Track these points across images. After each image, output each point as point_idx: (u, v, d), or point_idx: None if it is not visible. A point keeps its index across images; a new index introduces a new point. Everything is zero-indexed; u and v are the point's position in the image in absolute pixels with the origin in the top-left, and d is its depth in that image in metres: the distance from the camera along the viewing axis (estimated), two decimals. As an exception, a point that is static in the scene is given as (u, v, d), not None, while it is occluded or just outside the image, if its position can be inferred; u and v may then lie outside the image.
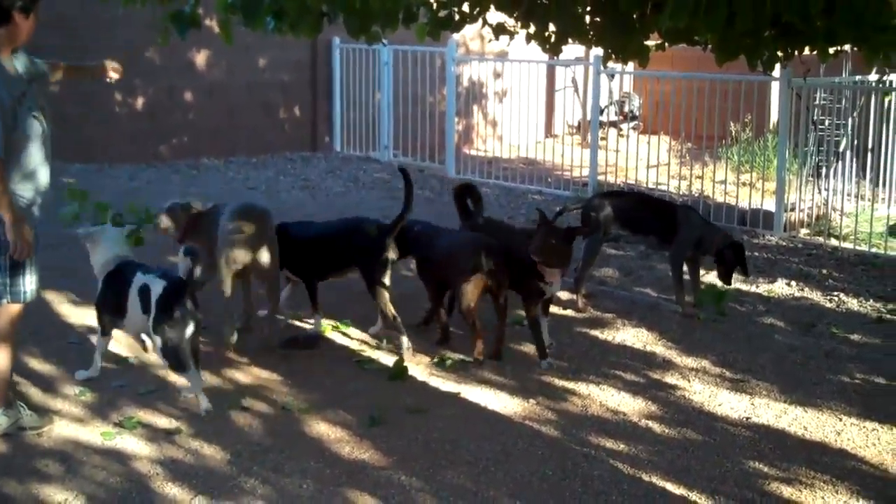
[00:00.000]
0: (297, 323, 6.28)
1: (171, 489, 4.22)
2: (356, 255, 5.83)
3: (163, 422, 4.87)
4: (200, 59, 12.34)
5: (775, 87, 11.05)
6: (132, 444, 4.63)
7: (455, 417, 4.98)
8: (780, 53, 6.25)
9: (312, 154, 13.14)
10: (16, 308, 4.62)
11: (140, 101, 12.05)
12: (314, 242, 6.00)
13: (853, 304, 7.11)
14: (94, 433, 4.72)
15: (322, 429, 4.83)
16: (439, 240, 5.95)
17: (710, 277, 7.01)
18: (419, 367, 5.65)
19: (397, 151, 12.97)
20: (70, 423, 4.82)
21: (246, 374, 5.50)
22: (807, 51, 6.43)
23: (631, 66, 11.11)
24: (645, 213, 6.88)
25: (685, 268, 6.84)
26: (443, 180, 11.79)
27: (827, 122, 9.89)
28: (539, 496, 4.23)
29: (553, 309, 6.63)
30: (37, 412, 4.83)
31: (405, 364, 5.54)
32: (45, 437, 4.68)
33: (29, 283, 4.60)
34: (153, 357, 5.68)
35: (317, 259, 5.99)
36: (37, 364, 5.52)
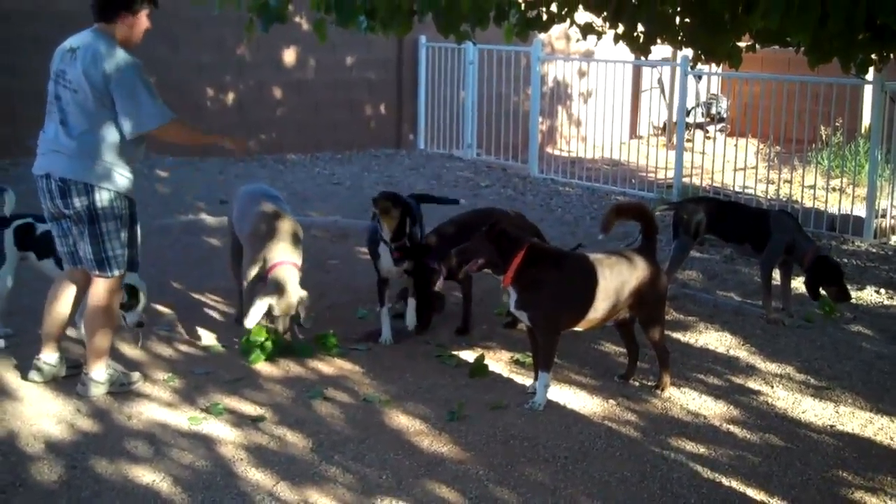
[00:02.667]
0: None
1: (255, 475, 4.32)
2: None
3: (248, 409, 4.98)
4: (289, 56, 12.55)
5: (868, 91, 10.81)
6: (218, 429, 4.75)
7: (534, 415, 4.99)
8: (874, 56, 6.13)
9: (396, 151, 13.26)
10: (120, 278, 5.05)
11: (230, 97, 12.31)
12: None
13: (945, 313, 6.93)
14: (182, 418, 4.85)
15: (402, 421, 4.89)
16: None
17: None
18: (499, 365, 5.68)
19: (480, 150, 13.01)
20: (159, 407, 4.97)
21: (329, 366, 5.59)
22: (902, 54, 6.29)
23: (719, 67, 10.97)
24: (739, 221, 6.80)
25: (776, 272, 6.75)
26: (525, 179, 11.80)
27: (922, 127, 9.63)
28: (617, 496, 4.22)
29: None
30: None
31: (485, 361, 5.57)
32: (135, 419, 4.83)
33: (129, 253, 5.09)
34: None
35: None
36: (127, 349, 5.70)
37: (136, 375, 5.23)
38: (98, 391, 5.05)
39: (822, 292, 6.57)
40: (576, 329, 5.31)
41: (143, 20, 5.00)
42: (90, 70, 4.76)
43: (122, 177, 4.92)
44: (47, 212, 4.99)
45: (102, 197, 4.84)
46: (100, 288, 4.97)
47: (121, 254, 4.94)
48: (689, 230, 6.73)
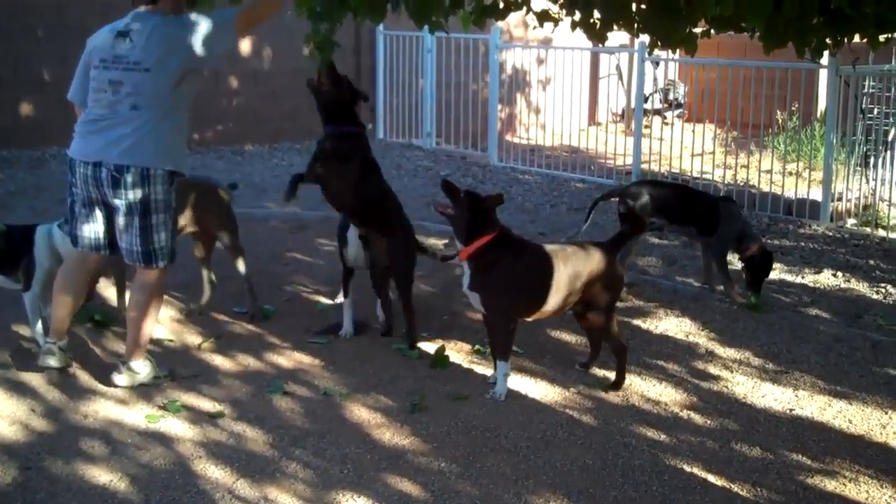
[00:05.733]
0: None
1: (214, 472, 4.27)
2: None
3: (206, 405, 4.92)
4: (245, 45, 12.41)
5: (823, 75, 10.89)
6: (176, 426, 4.68)
7: (495, 405, 4.98)
8: (828, 41, 6.16)
9: (355, 141, 13.16)
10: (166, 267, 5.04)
11: (185, 88, 12.14)
12: None
13: (901, 295, 7.01)
14: (139, 415, 4.78)
15: (363, 414, 4.86)
16: None
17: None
18: (460, 355, 5.65)
19: (440, 139, 12.97)
20: (115, 405, 4.89)
21: (288, 360, 5.54)
22: (856, 38, 6.33)
23: (676, 53, 11.01)
24: (683, 203, 6.84)
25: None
26: (485, 168, 11.78)
27: (876, 111, 9.72)
28: (579, 485, 4.22)
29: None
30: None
31: (446, 353, 5.54)
32: (91, 418, 4.75)
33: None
34: (195, 340, 5.75)
35: None
36: (82, 345, 5.60)
37: (165, 370, 5.22)
38: (134, 381, 5.04)
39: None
40: (527, 319, 5.30)
41: None
42: (166, 50, 4.74)
43: (185, 159, 4.98)
44: (86, 198, 4.88)
45: (158, 187, 4.79)
46: (149, 279, 4.95)
47: (166, 245, 4.90)
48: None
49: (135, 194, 4.76)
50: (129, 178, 4.73)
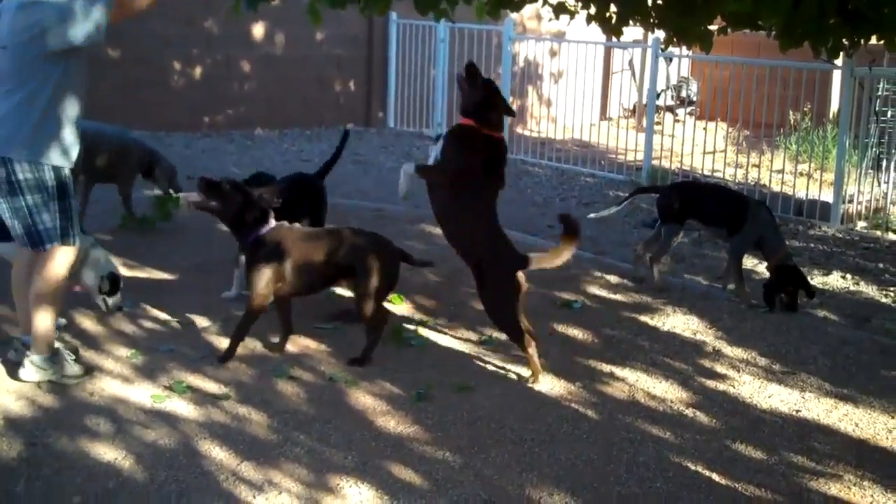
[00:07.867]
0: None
1: (219, 454, 4.27)
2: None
3: (211, 387, 4.92)
4: (258, 30, 12.41)
5: (837, 76, 10.86)
6: (181, 407, 4.69)
7: (500, 396, 4.97)
8: (845, 41, 6.15)
9: (366, 129, 13.16)
10: (65, 251, 4.72)
11: (197, 71, 12.15)
12: None
13: (909, 300, 6.99)
14: (144, 395, 4.78)
15: (368, 401, 4.85)
16: None
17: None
18: (466, 345, 5.64)
19: (450, 129, 12.95)
20: (121, 384, 4.89)
21: (294, 345, 5.53)
22: (873, 40, 6.31)
23: (689, 50, 10.98)
24: (719, 205, 6.81)
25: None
26: (495, 159, 11.76)
27: (889, 114, 9.70)
28: (583, 479, 4.22)
29: (602, 293, 6.62)
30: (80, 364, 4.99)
31: (450, 343, 5.53)
32: (97, 396, 4.75)
33: (75, 226, 4.75)
34: (203, 322, 5.74)
35: None
36: (90, 325, 5.61)
37: (81, 370, 4.92)
38: (38, 377, 4.78)
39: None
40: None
41: None
42: (22, 28, 4.43)
43: (51, 147, 4.55)
44: None
45: (17, 167, 4.50)
46: (42, 264, 4.69)
47: (53, 227, 4.61)
48: (675, 215, 6.72)
49: None
50: None
